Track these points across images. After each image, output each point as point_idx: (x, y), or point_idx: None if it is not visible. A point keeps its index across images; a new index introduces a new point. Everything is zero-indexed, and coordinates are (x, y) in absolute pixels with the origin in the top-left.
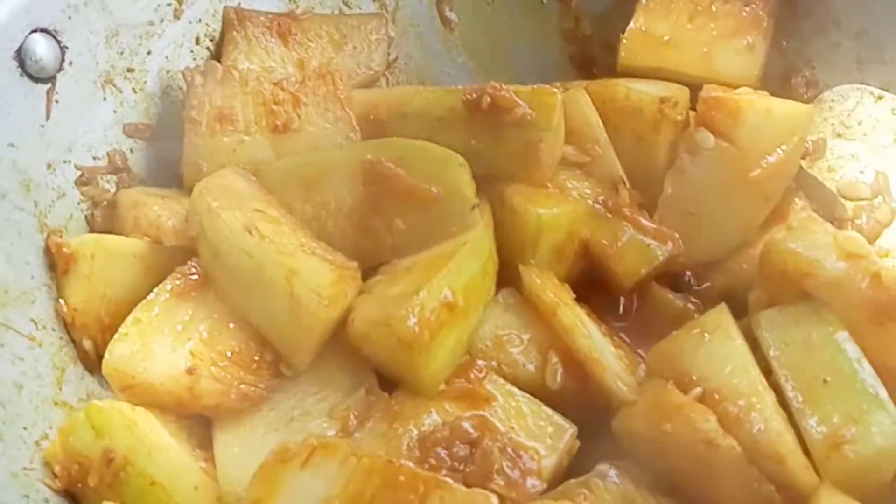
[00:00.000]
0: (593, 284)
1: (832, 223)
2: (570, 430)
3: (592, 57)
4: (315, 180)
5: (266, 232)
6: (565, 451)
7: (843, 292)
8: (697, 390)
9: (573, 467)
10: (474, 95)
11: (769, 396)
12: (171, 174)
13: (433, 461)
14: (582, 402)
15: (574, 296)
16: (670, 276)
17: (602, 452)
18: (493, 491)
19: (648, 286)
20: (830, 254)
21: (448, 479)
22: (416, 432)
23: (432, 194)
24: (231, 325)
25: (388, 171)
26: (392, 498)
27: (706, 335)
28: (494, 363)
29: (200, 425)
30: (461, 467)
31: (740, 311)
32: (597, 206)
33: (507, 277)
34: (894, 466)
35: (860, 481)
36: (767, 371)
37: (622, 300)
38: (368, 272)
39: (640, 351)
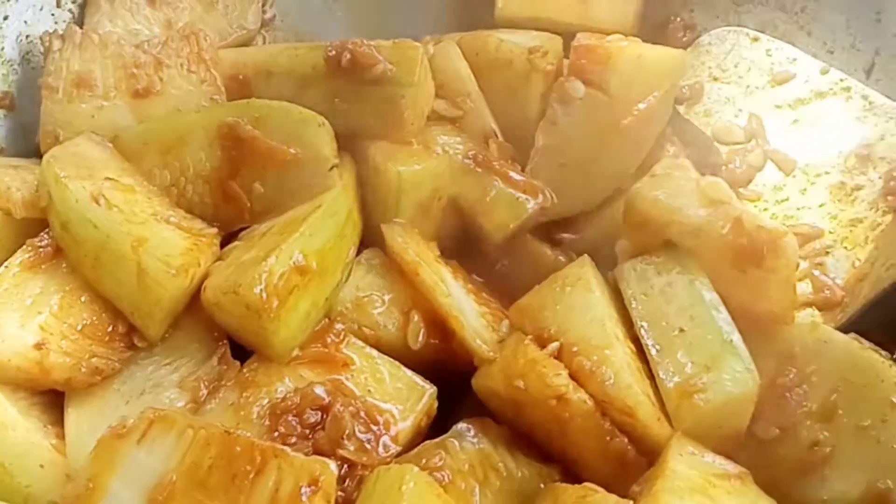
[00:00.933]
0: (466, 240)
1: (707, 169)
2: (429, 390)
3: (472, 9)
4: (173, 145)
5: (116, 201)
6: (423, 412)
7: (704, 239)
8: (554, 345)
9: (436, 428)
10: (334, 52)
11: (622, 348)
12: (31, 144)
13: (283, 429)
14: (445, 362)
15: (438, 253)
16: (545, 229)
17: (465, 412)
18: (341, 458)
19: (522, 239)
20: (692, 201)
21: (286, 448)
22: (266, 401)
23: (291, 156)
24: (83, 298)
25: (245, 134)
26: (229, 469)
27: (567, 288)
28: (355, 326)
29: (56, 402)
30: (311, 434)
31: (612, 265)
32: (466, 160)
33: (374, 237)
34: (747, 413)
35: (712, 430)
36: (629, 322)
37: (495, 255)
38: (230, 238)
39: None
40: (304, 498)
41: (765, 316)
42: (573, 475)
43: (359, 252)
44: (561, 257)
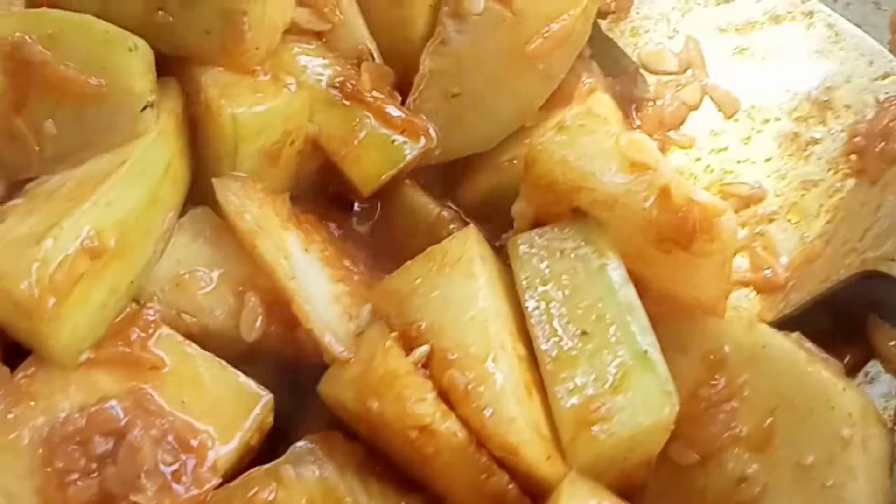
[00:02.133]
0: (325, 188)
1: (629, 104)
2: (263, 398)
3: None
4: None
5: None
6: (254, 427)
7: (621, 212)
8: (422, 349)
9: (280, 441)
10: None
11: (507, 361)
12: None
13: (60, 463)
14: (289, 356)
15: (288, 212)
16: (427, 174)
17: (313, 421)
18: None
19: (398, 187)
20: (609, 163)
21: None
22: (42, 421)
23: (91, 87)
24: None
25: (34, 56)
26: None
27: (445, 269)
28: (172, 312)
29: None
30: (99, 470)
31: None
32: (331, 90)
33: (206, 193)
34: (660, 443)
35: (614, 463)
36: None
37: (363, 207)
38: (14, 189)
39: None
40: None
41: (690, 305)
42: None
43: (184, 212)
44: (444, 213)
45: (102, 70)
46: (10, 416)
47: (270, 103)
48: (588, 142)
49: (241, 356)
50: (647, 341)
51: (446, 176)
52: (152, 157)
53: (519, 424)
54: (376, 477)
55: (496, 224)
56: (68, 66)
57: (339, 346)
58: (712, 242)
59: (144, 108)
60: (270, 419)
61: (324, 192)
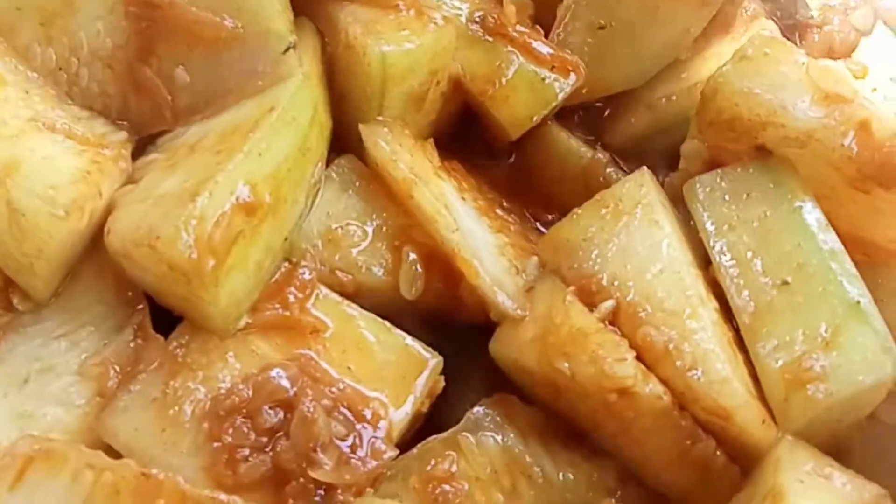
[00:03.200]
0: (465, 131)
1: (793, 31)
2: (431, 361)
3: None
4: (56, 13)
5: None
6: (425, 393)
7: (816, 149)
8: (608, 304)
9: (441, 411)
10: None
11: (709, 317)
12: None
13: (229, 438)
14: (452, 315)
15: (438, 162)
16: (569, 114)
17: (480, 387)
18: (314, 481)
19: (543, 130)
20: (801, 95)
21: (233, 498)
22: (204, 393)
23: (227, 30)
24: None
25: None
26: None
27: (622, 218)
28: (326, 270)
29: None
30: (270, 445)
31: (667, 166)
32: (472, 26)
33: (349, 141)
34: (873, 405)
35: (827, 426)
36: (704, 262)
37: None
38: (145, 144)
39: (537, 229)
40: None
41: (886, 250)
42: (636, 480)
43: (328, 162)
44: (599, 155)
45: (237, 11)
46: (169, 389)
47: (420, 40)
48: (775, 72)
49: (400, 317)
50: (858, 291)
51: (593, 116)
52: (300, 102)
53: (733, 386)
54: (560, 442)
55: (649, 167)
56: (199, 8)
57: (510, 302)
58: None
59: (287, 49)
60: (441, 383)
61: (461, 138)
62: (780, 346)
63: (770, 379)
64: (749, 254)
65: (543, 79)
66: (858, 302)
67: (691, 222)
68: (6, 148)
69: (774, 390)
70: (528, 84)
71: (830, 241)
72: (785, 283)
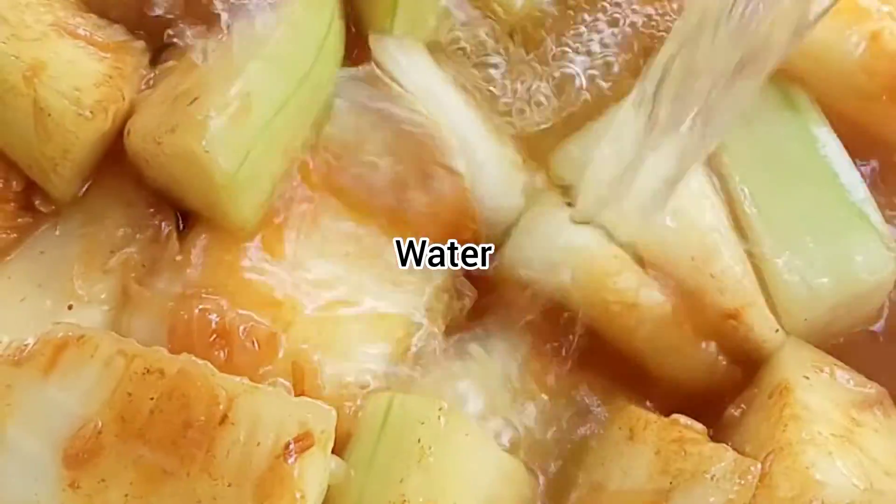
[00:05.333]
0: None
1: None
2: None
3: None
4: None
5: None
6: None
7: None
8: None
9: None
10: None
11: (722, 222)
12: None
13: None
14: None
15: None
16: None
17: None
18: None
19: None
20: None
21: (263, 386)
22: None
23: None
24: None
25: None
26: (180, 414)
27: None
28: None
29: None
30: None
31: None
32: None
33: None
34: (877, 305)
35: (832, 326)
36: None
37: None
38: (163, 51)
39: None
40: (290, 459)
41: None
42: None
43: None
44: None
45: None
46: (188, 288)
47: None
48: None
49: None
50: (860, 196)
51: None
52: (316, 5)
53: (744, 285)
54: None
55: None
56: None
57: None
58: None
59: None
60: None
61: None
62: (786, 248)
63: (777, 281)
64: (755, 160)
65: None
66: (861, 207)
67: None
68: (31, 50)
69: (780, 291)
70: None
71: (834, 151)
72: (792, 191)
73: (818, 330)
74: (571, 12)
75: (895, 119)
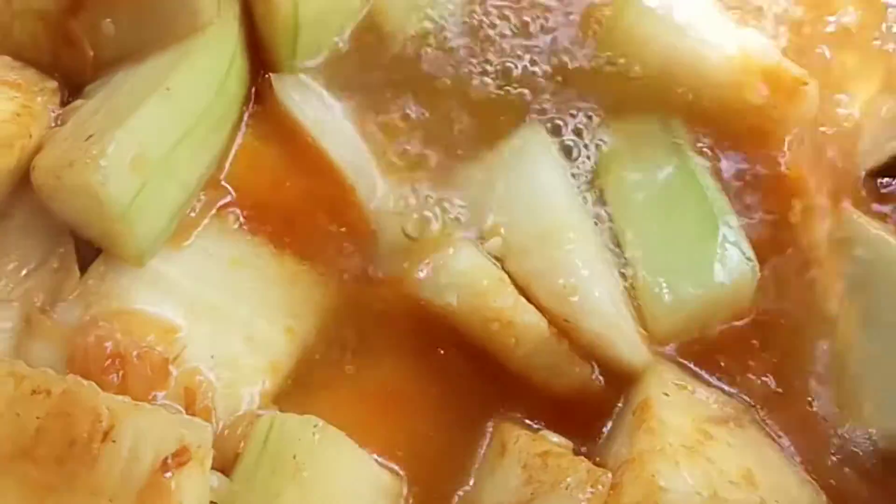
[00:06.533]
0: None
1: None
2: None
3: None
4: None
5: None
6: None
7: None
8: (496, 241)
9: None
10: None
11: (590, 248)
12: None
13: None
14: None
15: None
16: None
17: None
18: None
19: None
20: None
21: (145, 404)
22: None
23: None
24: None
25: None
26: (66, 432)
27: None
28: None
29: None
30: None
31: None
32: None
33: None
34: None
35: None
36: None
37: None
38: (74, 91)
39: None
40: (167, 474)
41: None
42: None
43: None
44: None
45: None
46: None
47: None
48: None
49: None
50: (723, 214)
51: None
52: (217, 46)
53: (607, 309)
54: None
55: None
56: None
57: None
58: None
59: None
60: None
61: None
62: (655, 264)
63: (647, 294)
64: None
65: None
66: (721, 221)
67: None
68: None
69: (650, 301)
70: None
71: (701, 173)
72: (663, 215)
73: (685, 331)
74: None
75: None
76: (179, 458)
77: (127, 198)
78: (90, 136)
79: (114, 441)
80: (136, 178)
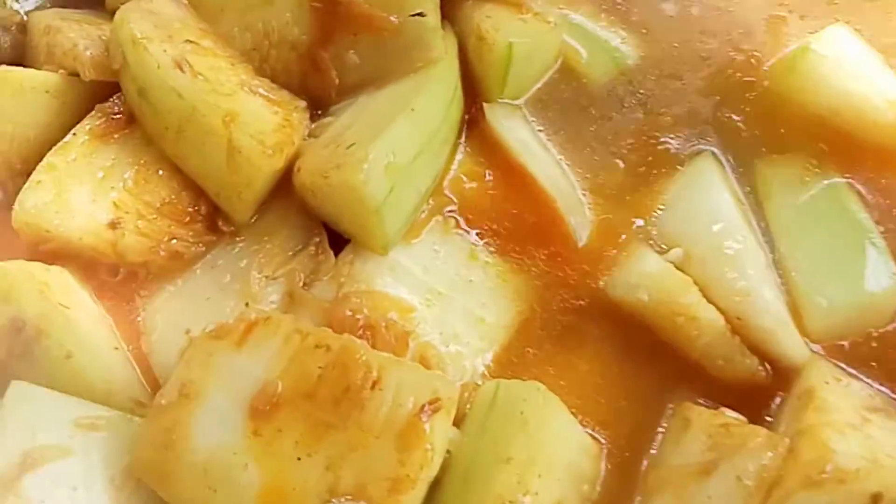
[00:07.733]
0: None
1: None
2: None
3: None
4: (255, 4)
5: (200, 67)
6: None
7: None
8: (678, 251)
9: None
10: None
11: (757, 252)
12: None
13: None
14: None
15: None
16: None
17: None
18: None
19: None
20: None
21: (406, 360)
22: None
23: (391, 24)
24: (160, 173)
25: None
26: (341, 380)
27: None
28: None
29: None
30: None
31: None
32: None
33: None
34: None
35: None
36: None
37: None
38: (320, 112)
39: None
40: (424, 418)
41: None
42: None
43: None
44: None
45: (399, 8)
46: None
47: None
48: None
49: None
50: (869, 230)
51: None
52: (445, 78)
53: (775, 306)
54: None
55: None
56: (371, 5)
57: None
58: None
59: (436, 36)
60: None
61: None
62: (812, 276)
63: (805, 301)
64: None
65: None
66: (869, 237)
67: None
68: (227, 102)
69: (808, 307)
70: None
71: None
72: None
73: (838, 334)
74: None
75: None
76: (433, 405)
77: (381, 196)
78: (352, 144)
79: (381, 389)
80: (388, 181)
